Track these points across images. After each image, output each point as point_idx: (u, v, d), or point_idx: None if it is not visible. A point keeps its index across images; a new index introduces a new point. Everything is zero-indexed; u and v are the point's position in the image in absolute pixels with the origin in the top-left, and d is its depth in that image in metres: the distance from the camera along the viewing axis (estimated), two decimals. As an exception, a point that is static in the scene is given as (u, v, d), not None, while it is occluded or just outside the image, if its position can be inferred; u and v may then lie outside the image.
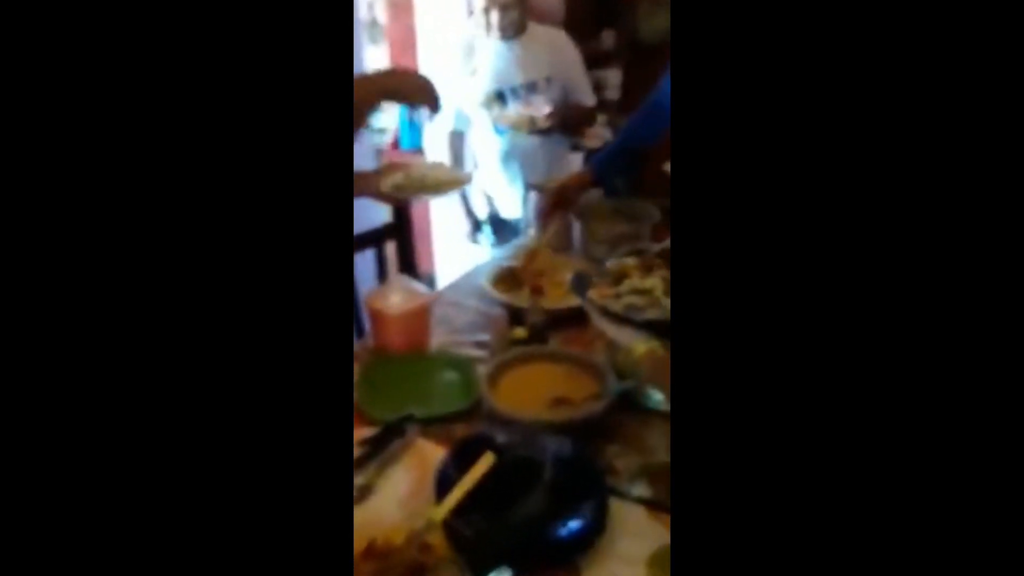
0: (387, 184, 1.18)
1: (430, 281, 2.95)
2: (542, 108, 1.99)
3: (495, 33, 1.98)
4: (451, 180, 1.25)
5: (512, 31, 1.99)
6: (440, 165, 1.31)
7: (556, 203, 1.62)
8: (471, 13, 2.01)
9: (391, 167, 1.24)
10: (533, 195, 1.79)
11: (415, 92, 1.17)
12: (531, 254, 1.51)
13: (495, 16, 1.94)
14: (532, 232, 1.72)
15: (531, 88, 2.03)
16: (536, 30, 2.06)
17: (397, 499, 0.81)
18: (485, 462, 0.76)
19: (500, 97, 2.03)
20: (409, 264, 1.68)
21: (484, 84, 2.02)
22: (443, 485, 0.76)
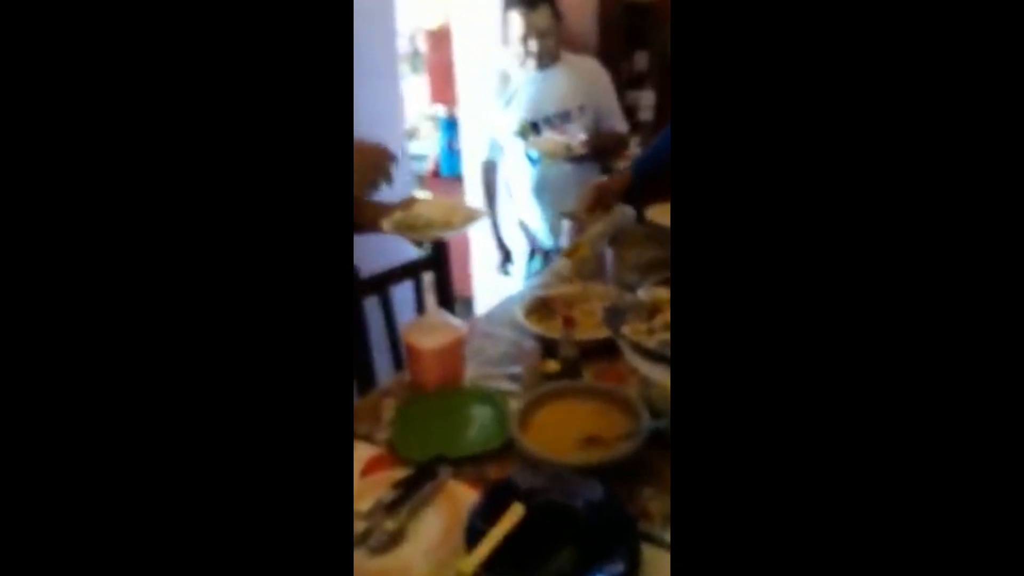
0: (388, 223, 1.18)
1: (467, 306, 2.97)
2: (577, 135, 2.00)
3: (531, 62, 1.99)
4: (451, 221, 1.21)
5: (548, 59, 2.00)
6: (448, 202, 1.27)
7: (595, 202, 1.64)
8: (507, 43, 2.03)
9: (404, 204, 1.24)
10: (566, 223, 1.79)
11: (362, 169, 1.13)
12: (574, 247, 1.51)
13: (533, 44, 1.95)
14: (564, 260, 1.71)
15: (565, 117, 2.03)
16: (569, 58, 2.07)
17: (427, 546, 0.81)
18: (514, 514, 0.75)
19: (534, 127, 2.04)
20: (447, 296, 1.70)
21: (518, 114, 2.04)
22: (473, 535, 0.75)
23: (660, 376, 0.99)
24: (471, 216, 1.24)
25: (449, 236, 1.26)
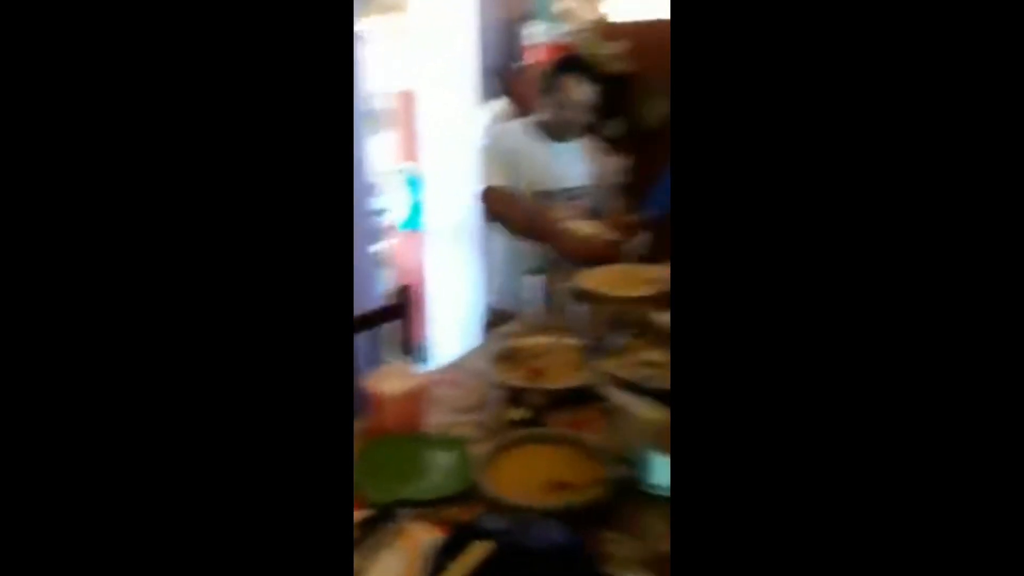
0: None
1: (423, 355, 2.92)
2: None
3: (548, 135, 1.91)
4: None
5: (576, 133, 1.93)
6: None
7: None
8: (525, 112, 1.98)
9: None
10: (529, 279, 1.79)
11: None
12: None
13: (583, 115, 1.87)
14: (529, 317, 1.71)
15: (571, 195, 1.94)
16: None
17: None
18: (477, 550, 0.73)
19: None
20: (409, 345, 1.68)
21: (523, 184, 1.89)
22: (435, 570, 0.73)
23: (636, 408, 0.99)
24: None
25: None
